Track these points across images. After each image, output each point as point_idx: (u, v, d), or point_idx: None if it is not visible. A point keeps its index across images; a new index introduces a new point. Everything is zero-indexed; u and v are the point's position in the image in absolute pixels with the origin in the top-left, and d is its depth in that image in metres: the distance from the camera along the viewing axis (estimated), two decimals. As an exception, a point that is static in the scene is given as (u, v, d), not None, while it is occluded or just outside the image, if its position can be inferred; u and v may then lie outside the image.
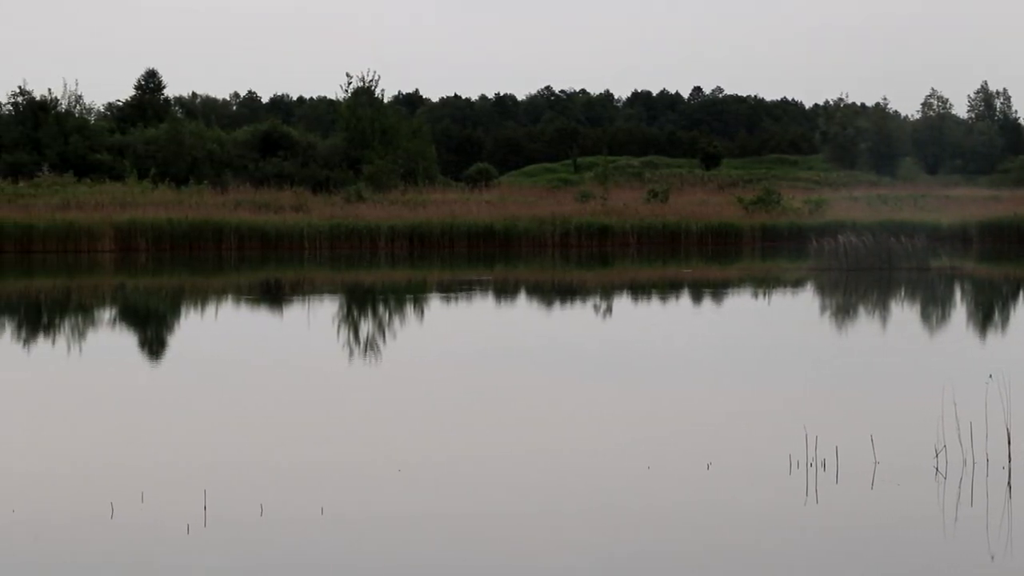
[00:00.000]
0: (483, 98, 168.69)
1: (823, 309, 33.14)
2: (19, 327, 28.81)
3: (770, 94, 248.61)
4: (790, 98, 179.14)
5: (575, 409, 17.41)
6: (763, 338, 26.76)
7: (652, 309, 34.18)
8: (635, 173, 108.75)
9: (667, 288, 40.05)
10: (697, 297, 37.26)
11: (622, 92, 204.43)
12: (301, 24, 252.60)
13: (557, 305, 35.08)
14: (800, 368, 21.91)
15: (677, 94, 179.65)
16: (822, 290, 37.85)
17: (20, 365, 21.98)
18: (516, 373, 21.24)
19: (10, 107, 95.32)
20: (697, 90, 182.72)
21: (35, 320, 30.29)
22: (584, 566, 10.23)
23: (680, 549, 10.72)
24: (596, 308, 33.76)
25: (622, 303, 35.59)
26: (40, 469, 13.41)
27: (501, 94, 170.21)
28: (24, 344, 25.35)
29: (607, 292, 38.30)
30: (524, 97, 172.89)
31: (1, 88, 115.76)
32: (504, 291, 38.83)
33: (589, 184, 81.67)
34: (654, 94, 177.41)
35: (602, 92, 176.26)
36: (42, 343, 25.60)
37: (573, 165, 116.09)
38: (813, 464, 13.31)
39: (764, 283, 41.19)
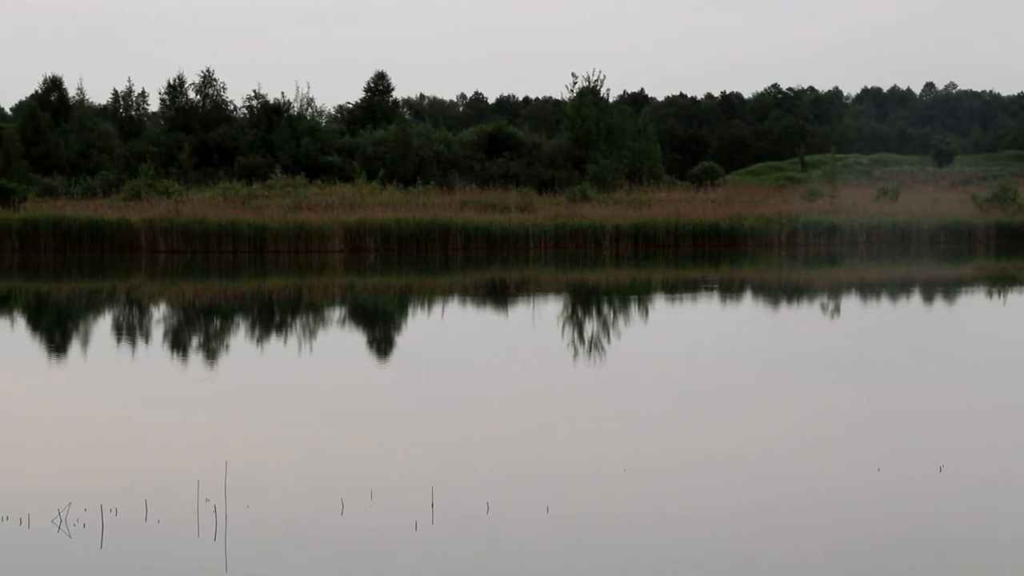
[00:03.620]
0: (709, 96, 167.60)
1: (1061, 309, 32.16)
2: (253, 326, 29.49)
3: (1006, 89, 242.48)
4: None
5: (803, 409, 17.17)
6: (997, 338, 26.07)
7: (881, 308, 33.55)
8: (864, 171, 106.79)
9: (897, 287, 39.28)
10: (928, 296, 36.47)
11: (851, 89, 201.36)
12: (526, 25, 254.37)
13: (784, 304, 34.66)
14: (1037, 370, 21.27)
15: (908, 90, 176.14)
16: (1060, 289, 36.73)
17: (254, 364, 22.49)
18: (742, 373, 21.04)
19: (245, 111, 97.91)
20: (929, 85, 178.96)
21: (268, 319, 30.99)
22: (810, 567, 10.06)
23: (910, 550, 10.47)
24: (824, 307, 33.26)
25: (850, 302, 35.01)
26: (272, 466, 13.69)
27: (727, 92, 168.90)
28: (257, 343, 25.94)
29: (835, 291, 37.72)
30: (751, 95, 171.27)
31: (236, 92, 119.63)
32: (730, 290, 38.51)
33: (817, 182, 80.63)
34: (884, 90, 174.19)
35: (830, 89, 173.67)
36: (274, 342, 26.17)
37: (800, 163, 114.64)
38: (1051, 469, 12.91)
39: (999, 282, 40.13)
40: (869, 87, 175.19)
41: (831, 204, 65.00)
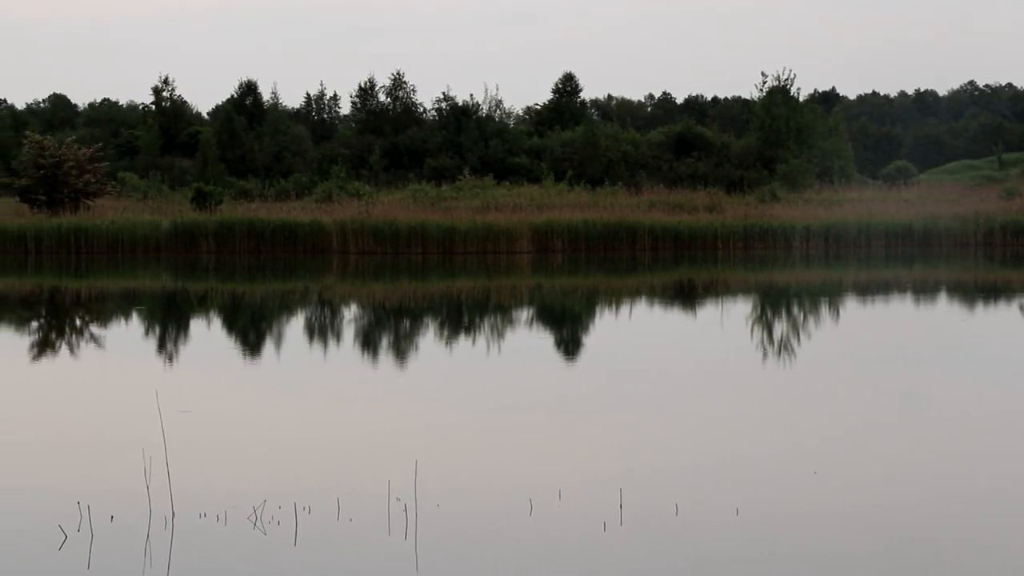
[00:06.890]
0: (902, 94, 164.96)
1: None
2: (441, 327, 29.75)
3: None
4: None
5: (999, 412, 16.79)
6: None
7: (1082, 310, 32.67)
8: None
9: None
10: None
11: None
12: (714, 24, 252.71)
13: (979, 306, 33.95)
14: None
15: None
16: None
17: (443, 364, 22.67)
18: (936, 375, 20.66)
19: (434, 113, 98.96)
20: None
21: (456, 320, 31.24)
22: (1006, 569, 9.84)
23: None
24: (1022, 309, 32.51)
25: (1049, 304, 34.15)
26: (462, 465, 13.78)
27: (921, 90, 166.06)
28: (446, 344, 26.15)
29: (1033, 292, 36.81)
30: (946, 92, 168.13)
31: (426, 95, 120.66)
32: (923, 291, 37.83)
33: (1015, 181, 78.87)
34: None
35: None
36: (463, 343, 26.36)
37: (998, 162, 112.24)
38: None
39: None
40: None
41: (1029, 203, 63.57)
